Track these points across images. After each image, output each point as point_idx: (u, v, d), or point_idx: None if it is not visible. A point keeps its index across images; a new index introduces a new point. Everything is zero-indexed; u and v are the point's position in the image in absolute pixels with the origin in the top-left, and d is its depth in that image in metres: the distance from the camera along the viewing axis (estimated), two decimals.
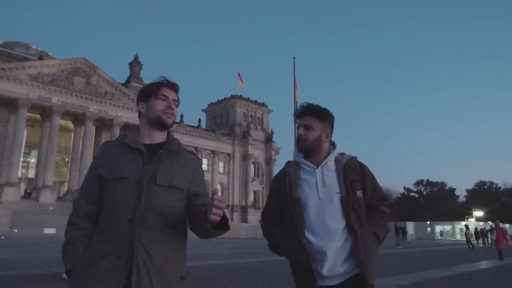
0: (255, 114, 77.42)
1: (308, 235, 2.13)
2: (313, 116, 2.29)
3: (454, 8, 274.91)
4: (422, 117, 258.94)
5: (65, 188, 54.17)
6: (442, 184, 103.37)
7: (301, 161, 2.30)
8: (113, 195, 1.87)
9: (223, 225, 1.81)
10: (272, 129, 78.01)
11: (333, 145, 2.36)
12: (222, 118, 77.40)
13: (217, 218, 1.73)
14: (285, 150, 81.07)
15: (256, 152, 73.49)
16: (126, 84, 59.11)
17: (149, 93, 2.06)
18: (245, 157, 71.89)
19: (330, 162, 2.27)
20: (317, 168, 2.25)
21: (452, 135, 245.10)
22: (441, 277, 10.57)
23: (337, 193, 2.17)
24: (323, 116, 2.31)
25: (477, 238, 38.97)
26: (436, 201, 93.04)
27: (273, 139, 76.18)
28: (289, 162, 2.37)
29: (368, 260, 2.09)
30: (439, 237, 61.90)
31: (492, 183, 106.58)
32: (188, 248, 2.06)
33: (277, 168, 77.92)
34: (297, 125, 2.34)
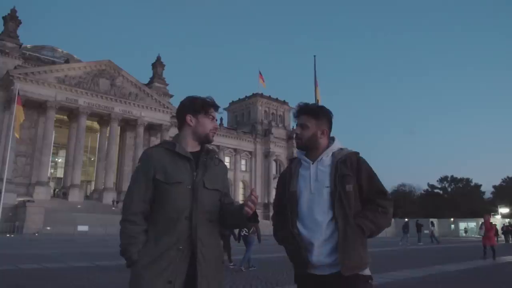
0: (276, 112, 77.70)
1: (299, 226, 2.28)
2: (307, 115, 2.43)
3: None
4: (447, 112, 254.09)
5: (91, 187, 55.65)
6: (467, 180, 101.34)
7: (301, 157, 2.46)
8: (171, 196, 2.16)
9: (254, 217, 2.20)
10: (293, 126, 77.90)
11: (333, 140, 2.47)
12: (243, 117, 77.95)
13: (250, 211, 2.13)
14: None
15: (278, 149, 73.78)
16: (149, 84, 60.24)
17: (200, 109, 2.31)
18: (267, 155, 72.28)
19: (326, 158, 2.37)
20: (313, 163, 2.38)
21: (478, 130, 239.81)
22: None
23: (327, 187, 2.27)
24: (317, 114, 2.43)
25: (496, 235, 38.53)
26: (461, 198, 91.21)
27: None
28: (293, 159, 2.55)
29: (344, 252, 2.15)
30: (463, 234, 60.95)
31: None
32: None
33: None
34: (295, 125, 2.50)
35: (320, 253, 2.22)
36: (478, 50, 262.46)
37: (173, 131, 50.30)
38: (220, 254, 2.30)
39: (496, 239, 37.27)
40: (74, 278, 8.62)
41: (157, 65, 62.29)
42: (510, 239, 37.92)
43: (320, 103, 34.95)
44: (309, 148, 2.44)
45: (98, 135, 55.44)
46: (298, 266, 2.31)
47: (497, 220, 52.49)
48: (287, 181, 2.44)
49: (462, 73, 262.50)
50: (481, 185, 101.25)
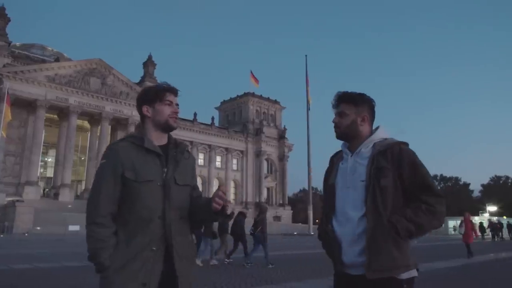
0: (267, 111, 77.75)
1: (334, 222, 2.17)
2: (346, 103, 2.26)
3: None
4: (437, 112, 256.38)
5: (82, 186, 55.26)
6: (456, 179, 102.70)
7: (343, 149, 2.30)
8: (142, 195, 2.04)
9: (222, 212, 2.13)
10: (285, 126, 78.28)
11: (376, 130, 2.27)
12: (235, 116, 77.90)
13: (218, 207, 2.06)
14: (298, 147, 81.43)
15: (269, 149, 73.88)
16: (140, 83, 59.88)
17: (154, 97, 2.19)
18: (258, 154, 72.35)
19: (365, 149, 2.18)
20: (352, 155, 2.21)
21: (467, 130, 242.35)
22: None
23: (362, 181, 2.09)
24: (356, 100, 2.25)
25: (482, 232, 39.53)
26: (450, 197, 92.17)
27: (286, 136, 76.43)
28: (337, 152, 2.39)
29: (371, 252, 1.98)
30: (452, 232, 61.68)
31: (508, 177, 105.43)
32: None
33: (290, 165, 78.38)
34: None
35: (352, 252, 2.06)
36: (468, 50, 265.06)
37: None
38: (193, 250, 2.24)
39: (482, 236, 37.98)
40: (67, 277, 8.63)
41: (149, 64, 61.98)
42: (498, 236, 38.55)
43: (310, 102, 34.46)
44: (349, 137, 2.25)
45: (89, 134, 55.11)
46: (334, 264, 2.19)
47: (485, 218, 53.22)
48: (328, 175, 2.33)
49: (452, 72, 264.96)
50: (469, 184, 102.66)
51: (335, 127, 2.28)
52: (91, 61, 53.27)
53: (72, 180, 52.33)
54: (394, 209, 2.02)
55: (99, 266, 2.00)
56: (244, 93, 76.72)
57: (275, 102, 79.74)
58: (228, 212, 2.30)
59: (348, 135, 2.25)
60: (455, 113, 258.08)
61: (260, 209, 13.49)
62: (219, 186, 2.19)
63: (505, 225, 41.08)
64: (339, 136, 2.29)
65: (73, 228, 32.53)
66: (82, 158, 57.13)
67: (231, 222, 13.36)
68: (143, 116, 2.22)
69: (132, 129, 54.66)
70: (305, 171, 50.22)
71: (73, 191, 51.00)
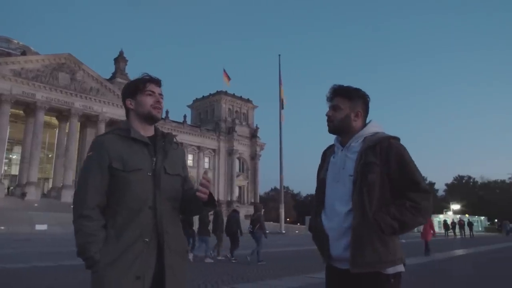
0: (240, 110, 77.79)
1: (323, 216, 2.18)
2: (341, 97, 2.24)
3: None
4: (402, 112, 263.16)
5: (49, 185, 53.78)
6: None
7: (335, 143, 2.30)
8: (131, 185, 1.99)
9: (210, 203, 2.12)
10: (257, 125, 78.55)
11: (368, 124, 2.26)
12: (207, 114, 77.54)
13: (204, 196, 2.03)
14: (270, 146, 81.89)
15: (241, 147, 73.97)
16: (111, 80, 58.83)
17: (135, 89, 2.17)
18: (230, 152, 72.32)
19: (355, 143, 2.17)
20: (342, 150, 2.21)
21: (432, 131, 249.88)
22: None
23: (351, 175, 2.08)
24: (351, 95, 2.23)
25: (446, 230, 42.27)
26: None
27: (258, 134, 76.73)
28: (330, 146, 2.38)
29: (355, 247, 2.00)
30: (415, 231, 63.54)
31: (470, 177, 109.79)
32: None
33: (262, 164, 78.84)
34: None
35: (338, 246, 2.08)
36: (438, 44, 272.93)
37: None
38: (184, 242, 2.18)
39: (446, 233, 39.59)
40: (39, 278, 8.47)
41: (120, 60, 60.89)
42: (463, 232, 40.35)
43: (285, 102, 34.45)
44: (342, 131, 2.24)
45: (57, 131, 53.65)
46: (322, 258, 2.20)
47: (450, 217, 55.28)
48: (320, 169, 2.34)
49: (414, 67, 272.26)
50: (434, 183, 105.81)
51: (328, 120, 2.26)
52: (60, 55, 51.89)
53: (39, 178, 50.87)
54: (381, 205, 2.02)
55: (89, 261, 1.93)
56: (217, 92, 76.47)
57: (248, 101, 79.87)
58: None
59: (341, 129, 2.24)
60: (420, 113, 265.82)
61: (255, 207, 13.90)
62: (203, 176, 2.17)
63: (465, 223, 42.99)
64: (331, 130, 2.27)
65: (40, 227, 31.70)
66: (50, 156, 55.59)
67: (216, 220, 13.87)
68: (127, 110, 2.21)
69: (102, 126, 53.55)
70: (276, 170, 50.61)
71: (40, 189, 49.59)
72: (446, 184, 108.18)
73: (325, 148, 2.42)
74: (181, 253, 2.11)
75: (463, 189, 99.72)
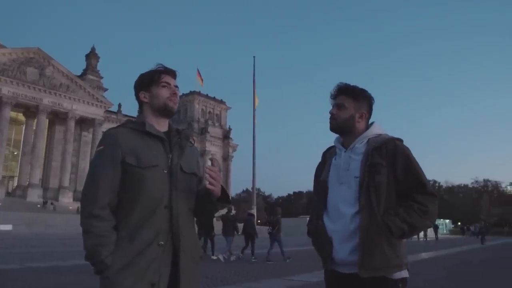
0: (213, 110, 77.60)
1: (325, 218, 2.12)
2: (346, 95, 2.20)
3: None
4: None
5: (14, 183, 51.94)
6: None
7: (336, 144, 2.25)
8: (146, 183, 1.86)
9: (224, 198, 2.01)
10: (230, 126, 78.57)
11: (371, 125, 2.23)
12: (180, 114, 76.87)
13: (214, 188, 1.92)
14: (243, 147, 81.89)
15: (214, 148, 73.77)
16: (82, 76, 57.48)
17: (150, 81, 2.06)
18: (202, 153, 71.90)
19: (359, 145, 2.13)
20: (346, 151, 2.17)
21: (399, 134, 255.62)
22: None
23: (356, 177, 2.04)
24: (357, 95, 2.20)
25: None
26: None
27: (231, 136, 76.73)
28: (329, 147, 2.34)
29: (364, 250, 1.94)
30: None
31: (435, 181, 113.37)
32: None
33: (234, 165, 79.10)
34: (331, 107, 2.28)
35: (343, 249, 2.01)
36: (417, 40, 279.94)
37: (107, 126, 48.55)
38: (198, 245, 2.06)
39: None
40: (8, 280, 8.15)
41: (91, 56, 59.58)
42: (425, 235, 41.91)
43: (257, 103, 34.23)
44: (344, 131, 2.20)
45: (24, 127, 51.93)
46: (323, 261, 2.14)
47: None
48: (319, 170, 2.29)
49: (392, 64, 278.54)
50: None
51: (331, 118, 2.21)
52: (29, 49, 50.33)
53: (3, 176, 49.09)
54: (388, 206, 1.99)
55: (99, 265, 1.77)
56: (190, 92, 76.03)
57: (221, 102, 79.80)
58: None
59: (343, 129, 2.19)
60: (386, 113, 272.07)
61: (276, 211, 15.24)
62: (205, 167, 2.00)
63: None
64: (333, 128, 2.23)
65: (4, 227, 30.55)
66: (15, 153, 53.74)
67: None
68: (140, 104, 2.09)
69: (72, 123, 52.16)
70: (249, 171, 50.73)
71: (4, 187, 47.83)
72: None
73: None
74: (195, 258, 1.98)
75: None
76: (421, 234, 42.68)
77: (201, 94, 75.52)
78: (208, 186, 1.91)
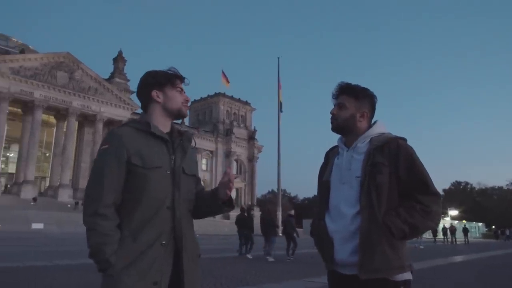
0: (238, 112, 77.85)
1: (327, 219, 2.09)
2: (347, 95, 2.17)
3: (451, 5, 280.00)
4: (400, 116, 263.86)
5: (46, 183, 53.54)
6: None
7: (339, 143, 2.23)
8: (150, 183, 1.87)
9: (229, 202, 2.02)
10: (255, 127, 78.63)
11: (374, 124, 2.19)
12: (205, 115, 77.57)
13: (229, 193, 1.97)
14: (268, 148, 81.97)
15: (239, 149, 73.97)
16: (110, 79, 58.74)
17: (165, 82, 2.05)
18: (228, 154, 72.30)
19: (361, 144, 2.10)
20: (348, 150, 2.14)
21: (431, 136, 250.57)
22: None
23: (358, 177, 2.01)
24: (358, 94, 2.16)
25: (434, 235, 41.31)
26: None
27: (256, 137, 76.78)
28: (333, 147, 2.31)
29: (364, 252, 1.90)
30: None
31: (467, 183, 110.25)
32: None
33: (259, 166, 79.17)
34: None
35: (344, 250, 1.98)
36: (430, 46, 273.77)
37: None
38: (197, 245, 2.07)
39: (434, 239, 39.20)
40: (37, 277, 8.36)
41: (119, 60, 60.82)
42: (454, 239, 40.24)
43: (281, 102, 34.42)
44: (345, 131, 2.17)
45: (55, 129, 53.49)
46: (324, 262, 2.12)
47: (447, 222, 55.33)
48: (322, 170, 2.26)
49: (414, 71, 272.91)
50: None
51: (332, 118, 2.19)
52: (59, 54, 51.78)
53: (36, 176, 50.69)
54: (389, 207, 1.94)
55: (102, 263, 1.79)
56: (215, 93, 76.55)
57: (246, 103, 79.95)
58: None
59: (345, 129, 2.17)
60: (417, 117, 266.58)
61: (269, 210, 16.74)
62: (225, 172, 2.03)
63: (460, 229, 42.62)
64: (334, 129, 2.20)
65: (36, 226, 31.52)
66: (47, 154, 55.40)
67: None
68: (148, 101, 2.06)
69: (100, 126, 53.38)
70: (274, 172, 50.68)
71: (37, 187, 49.33)
72: (444, 190, 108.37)
73: (327, 149, 2.34)
74: (195, 258, 2.01)
75: (461, 195, 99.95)
76: (448, 237, 41.26)
77: (226, 96, 75.92)
78: (225, 191, 1.96)
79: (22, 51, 53.17)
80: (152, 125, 1.96)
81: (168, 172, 1.92)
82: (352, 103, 2.15)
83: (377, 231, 1.91)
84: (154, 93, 2.03)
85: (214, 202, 2.03)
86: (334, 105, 2.20)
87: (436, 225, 2.02)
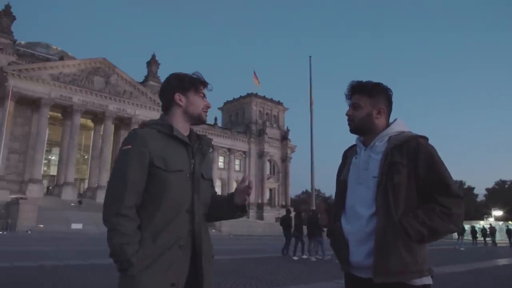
0: (270, 112, 77.74)
1: (343, 220, 2.04)
2: (360, 94, 2.09)
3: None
4: (441, 115, 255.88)
5: (85, 185, 55.31)
6: (461, 183, 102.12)
7: (357, 143, 2.16)
8: (171, 187, 1.89)
9: (243, 207, 2.05)
10: (287, 127, 78.25)
11: (393, 122, 2.11)
12: (238, 116, 77.91)
13: (247, 199, 2.00)
14: (301, 148, 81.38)
15: (272, 150, 73.81)
16: (144, 83, 60.01)
17: (189, 87, 2.06)
18: (261, 155, 72.29)
19: (379, 143, 2.02)
20: (365, 150, 2.07)
21: (472, 133, 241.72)
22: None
23: (375, 177, 1.93)
24: (371, 91, 2.08)
25: (473, 237, 38.89)
26: None
27: (289, 137, 76.41)
28: (351, 145, 2.25)
29: (379, 254, 1.83)
30: (456, 237, 61.41)
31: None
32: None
33: (292, 166, 78.67)
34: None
35: (359, 252, 1.91)
36: (476, 54, 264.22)
37: None
38: (212, 247, 2.08)
39: (473, 241, 37.62)
40: (70, 275, 8.57)
41: (152, 63, 62.08)
42: (494, 240, 38.61)
43: (315, 104, 33.50)
44: (364, 131, 2.09)
45: (92, 133, 55.17)
46: (340, 264, 2.06)
47: (492, 223, 52.92)
48: (340, 170, 2.20)
49: (460, 76, 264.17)
50: (474, 188, 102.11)
51: (348, 120, 2.12)
52: (95, 60, 53.38)
53: (75, 178, 52.42)
54: (407, 208, 1.86)
55: (125, 263, 1.80)
56: (247, 94, 76.73)
57: (278, 103, 79.70)
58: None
59: (363, 129, 2.09)
60: (460, 116, 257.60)
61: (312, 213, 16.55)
62: (243, 178, 2.04)
63: (504, 230, 40.74)
64: (353, 130, 2.14)
65: (75, 226, 32.60)
66: (85, 157, 57.21)
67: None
68: (170, 103, 2.06)
69: (135, 128, 54.58)
70: (307, 172, 50.21)
71: (76, 189, 51.05)
72: (487, 189, 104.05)
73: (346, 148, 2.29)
74: (210, 259, 2.04)
75: (505, 195, 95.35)
76: (487, 239, 39.40)
77: (258, 96, 75.98)
78: (243, 196, 2.01)
79: (61, 58, 55.15)
80: (175, 129, 1.98)
81: (188, 176, 1.95)
82: (367, 101, 2.07)
83: (393, 233, 1.83)
84: (177, 96, 2.05)
85: (229, 206, 2.06)
86: (349, 106, 2.13)
87: (457, 228, 1.93)
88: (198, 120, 2.10)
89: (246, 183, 1.99)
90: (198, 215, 1.94)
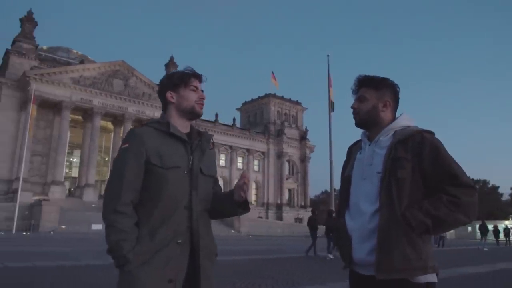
0: (289, 112, 77.46)
1: (347, 216, 2.02)
2: (366, 87, 2.07)
3: None
4: (465, 113, 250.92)
5: None
6: (485, 182, 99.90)
7: (362, 137, 2.13)
8: (168, 183, 1.90)
9: (244, 204, 2.02)
10: (306, 127, 77.82)
11: (399, 117, 2.08)
12: (256, 117, 77.89)
13: (244, 196, 1.97)
14: (320, 148, 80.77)
15: (291, 150, 73.52)
16: None
17: (179, 83, 2.08)
18: (279, 155, 72.08)
19: (384, 138, 1.98)
20: (370, 144, 2.03)
21: (496, 132, 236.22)
22: None
23: (378, 172, 1.90)
24: (378, 84, 2.06)
25: (496, 237, 37.69)
26: (478, 200, 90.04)
27: (308, 137, 75.98)
28: (356, 141, 2.22)
29: (382, 250, 1.79)
30: (479, 237, 60.03)
31: None
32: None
33: (311, 166, 78.05)
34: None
35: (362, 249, 1.87)
36: (496, 56, 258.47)
37: None
38: (214, 244, 2.09)
39: (497, 241, 36.69)
40: (89, 275, 8.63)
41: (170, 65, 62.58)
42: (508, 240, 37.62)
43: (334, 103, 33.49)
44: (369, 124, 2.06)
45: (112, 135, 55.92)
46: (343, 261, 2.03)
47: None
48: (345, 166, 2.17)
49: (482, 76, 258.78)
50: (498, 187, 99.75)
51: (354, 113, 2.09)
52: (114, 63, 54.13)
53: (96, 180, 53.21)
54: (411, 203, 1.81)
55: (120, 260, 1.83)
56: (265, 94, 76.60)
57: (297, 103, 79.35)
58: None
59: (368, 122, 2.06)
60: (484, 116, 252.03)
61: (328, 213, 16.49)
62: (242, 174, 2.00)
63: None
64: (358, 123, 2.11)
65: (96, 227, 33.07)
66: (106, 159, 58.03)
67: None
68: (166, 103, 2.11)
69: None
70: (327, 172, 49.89)
71: (97, 190, 51.82)
72: None
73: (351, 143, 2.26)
74: (211, 256, 2.04)
75: None
76: (510, 238, 38.23)
77: (276, 96, 75.80)
78: (240, 194, 1.97)
79: (81, 62, 56.09)
80: (171, 125, 2.00)
81: (186, 172, 1.96)
82: (373, 94, 2.05)
83: (396, 229, 1.78)
84: (168, 94, 2.09)
85: (229, 203, 2.05)
86: (355, 100, 2.11)
87: (468, 218, 1.80)
88: (192, 113, 2.09)
89: (242, 180, 1.98)
90: (196, 212, 1.94)
